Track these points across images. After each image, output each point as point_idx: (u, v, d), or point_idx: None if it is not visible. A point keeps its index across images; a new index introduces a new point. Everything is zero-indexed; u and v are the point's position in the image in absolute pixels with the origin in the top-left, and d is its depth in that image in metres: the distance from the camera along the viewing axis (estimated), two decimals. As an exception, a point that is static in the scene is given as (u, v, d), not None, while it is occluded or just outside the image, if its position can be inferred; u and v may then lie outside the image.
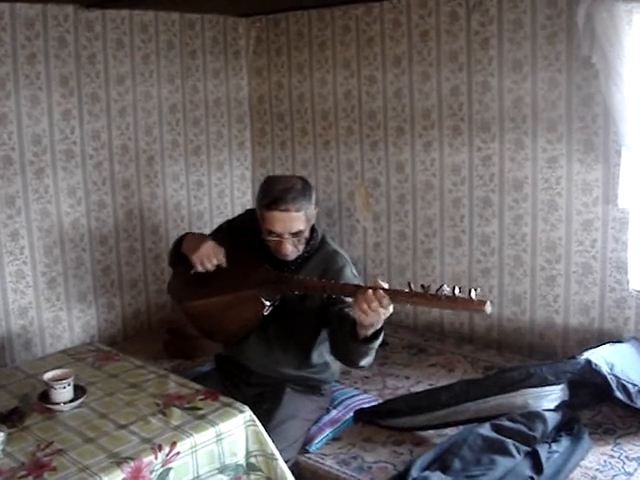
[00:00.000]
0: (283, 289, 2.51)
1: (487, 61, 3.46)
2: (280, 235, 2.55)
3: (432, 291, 2.08)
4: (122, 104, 3.84)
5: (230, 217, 4.31)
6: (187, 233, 2.87)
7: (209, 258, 2.61)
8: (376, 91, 3.90)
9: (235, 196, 4.45)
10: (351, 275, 2.65)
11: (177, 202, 4.18)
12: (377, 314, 2.16)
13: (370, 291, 2.15)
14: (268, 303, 2.50)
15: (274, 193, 2.54)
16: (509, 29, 3.36)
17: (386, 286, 2.18)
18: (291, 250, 2.59)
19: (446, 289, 2.05)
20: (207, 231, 4.19)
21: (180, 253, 2.74)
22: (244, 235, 2.77)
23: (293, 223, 2.53)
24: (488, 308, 2.01)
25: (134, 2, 3.60)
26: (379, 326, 2.27)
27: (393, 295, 2.16)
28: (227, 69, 4.36)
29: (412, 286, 2.12)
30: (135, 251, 4.01)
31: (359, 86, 3.97)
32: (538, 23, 3.27)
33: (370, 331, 2.27)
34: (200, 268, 2.62)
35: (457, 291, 2.03)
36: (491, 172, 3.55)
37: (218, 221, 4.32)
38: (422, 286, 2.10)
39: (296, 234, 2.57)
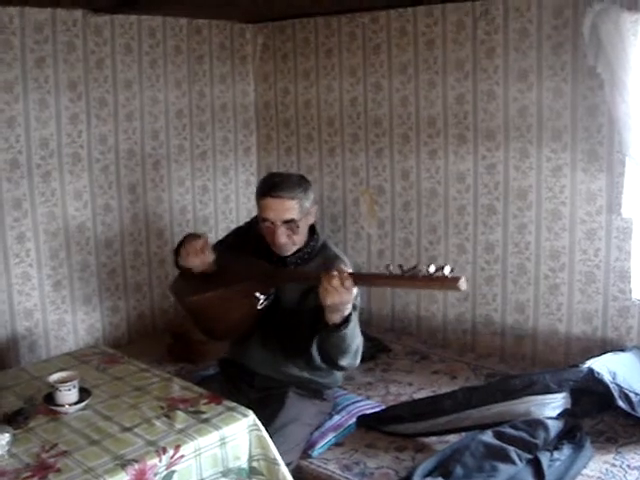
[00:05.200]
0: (274, 283, 2.55)
1: (493, 70, 3.48)
2: (273, 223, 2.60)
3: (408, 272, 2.09)
4: (129, 108, 3.86)
5: (235, 222, 4.37)
6: (189, 234, 2.89)
7: (195, 252, 2.62)
8: (382, 98, 3.91)
9: (240, 201, 4.47)
10: None
11: (182, 206, 4.20)
12: (338, 293, 2.22)
13: (334, 271, 2.24)
14: (262, 297, 2.51)
15: (269, 183, 2.64)
16: (515, 38, 3.38)
17: (350, 271, 2.28)
18: (285, 241, 2.62)
19: (423, 269, 2.06)
20: (212, 236, 4.22)
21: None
22: (249, 238, 2.82)
23: (286, 210, 2.58)
24: (463, 284, 2.01)
25: (142, 7, 3.63)
26: (345, 312, 2.33)
27: (359, 277, 2.26)
28: (234, 75, 4.38)
29: (391, 268, 2.14)
30: (140, 255, 4.03)
31: (365, 93, 3.98)
32: (544, 33, 3.28)
33: (336, 316, 2.33)
34: (183, 262, 2.66)
35: (432, 269, 2.04)
36: (496, 180, 3.56)
37: (223, 226, 4.35)
38: (400, 266, 2.12)
39: (289, 222, 2.60)
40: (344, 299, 2.25)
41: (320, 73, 4.16)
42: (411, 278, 2.07)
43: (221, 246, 2.93)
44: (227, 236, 3.07)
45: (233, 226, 4.29)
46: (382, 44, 3.86)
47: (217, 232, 4.31)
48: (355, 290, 2.26)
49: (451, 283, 2.01)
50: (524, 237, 3.51)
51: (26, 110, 3.45)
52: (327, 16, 4.04)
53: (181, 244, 2.76)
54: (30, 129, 3.47)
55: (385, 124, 3.93)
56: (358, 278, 2.26)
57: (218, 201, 4.38)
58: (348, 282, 2.21)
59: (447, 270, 2.01)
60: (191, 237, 2.74)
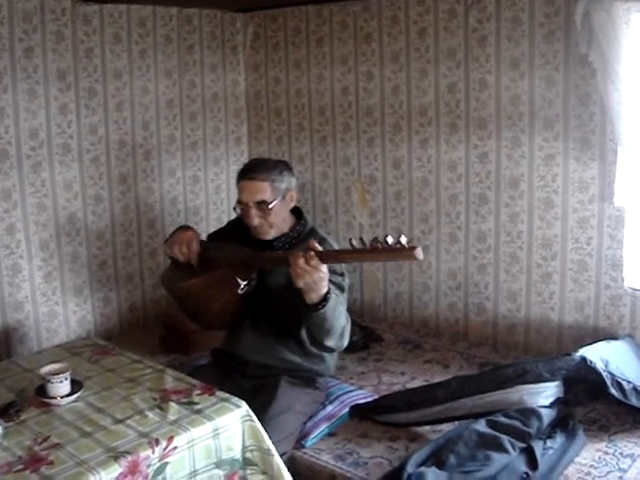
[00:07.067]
0: (255, 267, 2.59)
1: (485, 59, 3.46)
2: (246, 204, 2.67)
3: (369, 244, 2.16)
4: (119, 98, 3.83)
5: (226, 212, 4.36)
6: (182, 225, 2.90)
7: (180, 246, 2.67)
8: (373, 87, 3.90)
9: (231, 191, 4.44)
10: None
11: (173, 197, 4.18)
12: (307, 273, 2.26)
13: (300, 252, 2.28)
14: (243, 282, 2.54)
15: (245, 167, 2.78)
16: (507, 27, 3.36)
17: (319, 249, 2.30)
18: (258, 222, 2.67)
19: (382, 240, 2.12)
20: (203, 226, 4.22)
21: None
22: (239, 227, 2.86)
23: (257, 192, 2.66)
24: (419, 253, 2.08)
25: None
26: (321, 291, 2.35)
27: (325, 255, 2.29)
28: (224, 64, 4.35)
29: (354, 242, 2.19)
30: (131, 246, 4.01)
31: (356, 82, 3.97)
32: (536, 21, 3.27)
33: (313, 295, 2.35)
34: (169, 252, 2.70)
35: (390, 240, 2.10)
36: (488, 169, 3.56)
37: (214, 217, 4.34)
38: (361, 239, 2.19)
39: (260, 204, 2.65)
40: (314, 277, 2.28)
41: (311, 62, 4.14)
42: (373, 250, 2.14)
43: (213, 237, 2.96)
44: (220, 228, 3.11)
45: (224, 216, 4.30)
46: (373, 33, 3.84)
47: (208, 222, 4.30)
48: (324, 268, 2.29)
49: (408, 252, 2.09)
50: (516, 226, 3.51)
51: (15, 100, 3.42)
52: (318, 4, 4.02)
53: (173, 234, 2.78)
54: (19, 119, 3.44)
55: (376, 113, 3.91)
56: (324, 255, 2.29)
57: (209, 191, 4.36)
58: (313, 261, 2.25)
59: (404, 240, 2.08)
60: (182, 229, 2.77)
